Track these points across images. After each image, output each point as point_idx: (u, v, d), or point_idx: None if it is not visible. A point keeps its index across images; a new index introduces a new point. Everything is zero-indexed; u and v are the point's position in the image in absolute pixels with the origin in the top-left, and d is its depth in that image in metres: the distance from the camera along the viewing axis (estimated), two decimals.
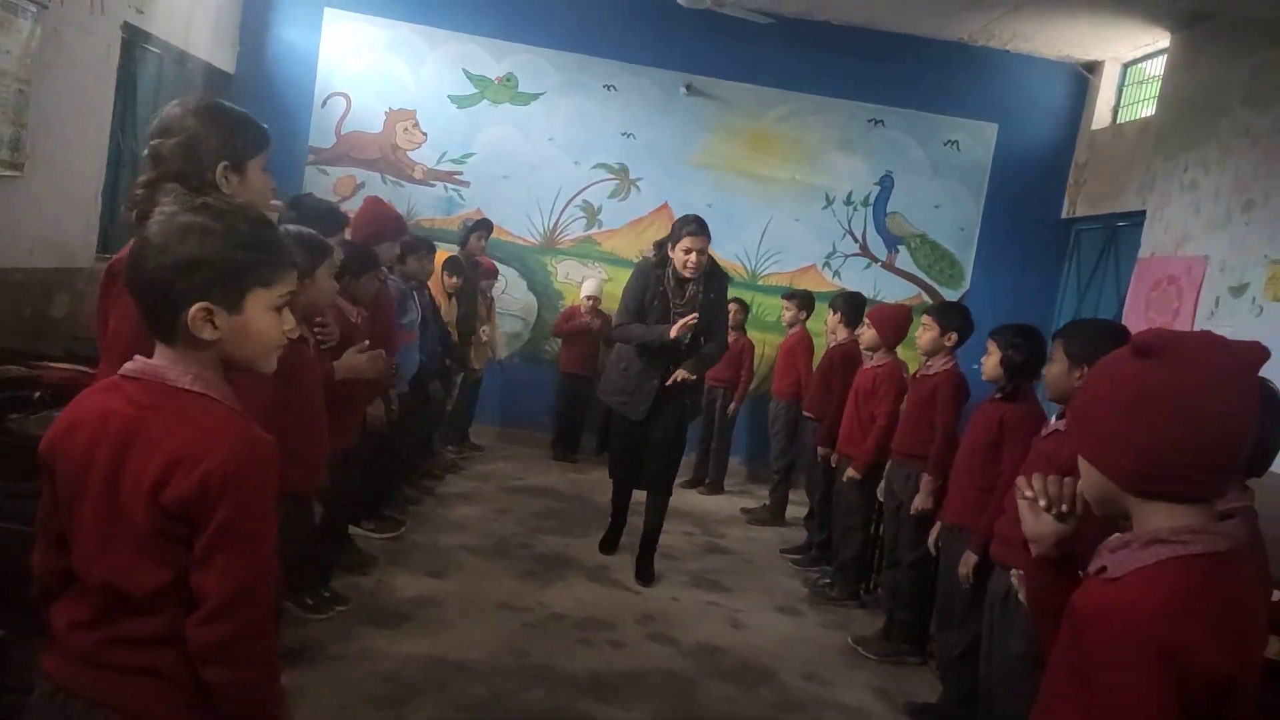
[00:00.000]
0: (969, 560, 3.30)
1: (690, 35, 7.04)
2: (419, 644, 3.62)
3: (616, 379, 4.74)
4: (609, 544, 5.14)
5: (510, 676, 3.49)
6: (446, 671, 3.43)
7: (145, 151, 2.06)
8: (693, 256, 4.48)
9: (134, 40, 5.56)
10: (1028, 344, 3.53)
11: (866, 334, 4.98)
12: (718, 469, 6.91)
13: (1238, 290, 5.31)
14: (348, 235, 3.92)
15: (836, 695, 3.83)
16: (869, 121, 7.30)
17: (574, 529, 5.44)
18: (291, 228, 2.81)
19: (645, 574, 4.81)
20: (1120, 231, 6.82)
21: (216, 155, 2.01)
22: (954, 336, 4.26)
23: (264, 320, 1.45)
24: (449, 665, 3.48)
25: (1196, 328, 5.61)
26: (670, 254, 4.56)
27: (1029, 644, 2.68)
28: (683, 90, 7.19)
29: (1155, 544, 1.27)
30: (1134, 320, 6.21)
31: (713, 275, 4.65)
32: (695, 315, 4.44)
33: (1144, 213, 6.34)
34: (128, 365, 1.43)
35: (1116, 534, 1.36)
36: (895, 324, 4.89)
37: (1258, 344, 1.29)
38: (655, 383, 4.60)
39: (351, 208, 7.03)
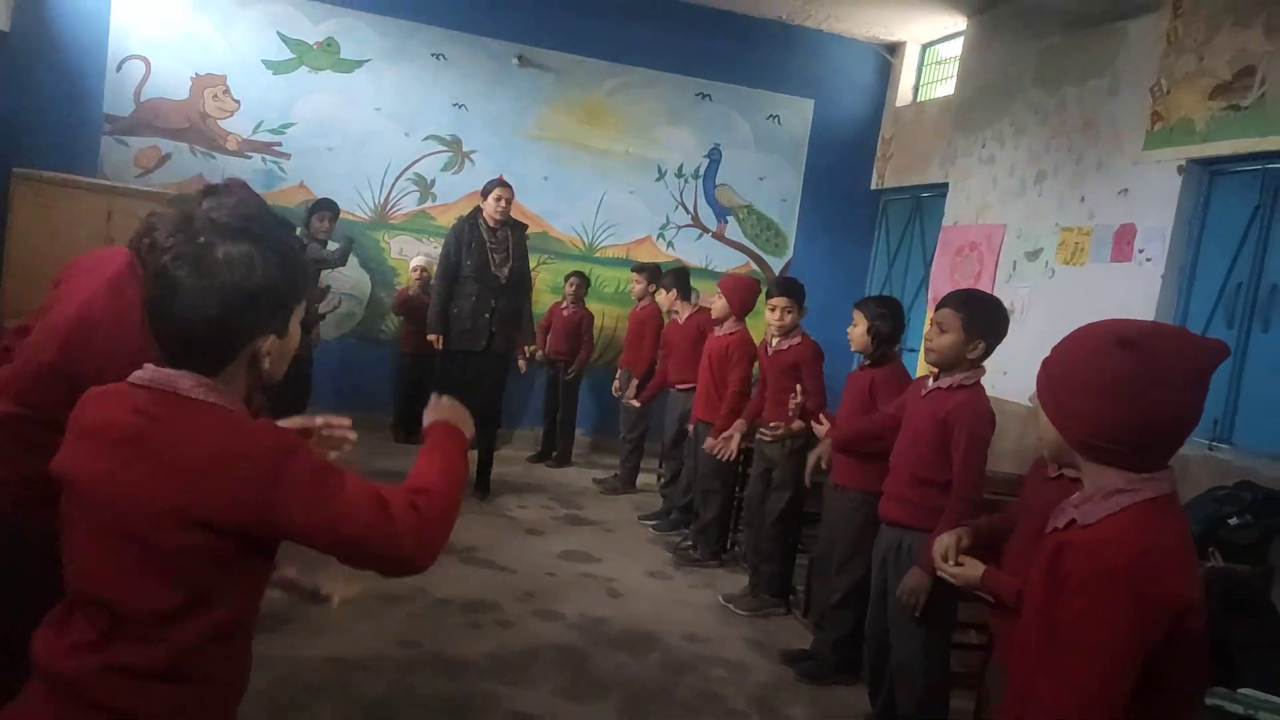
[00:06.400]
0: (855, 520, 3.57)
1: (521, 5, 6.95)
2: (307, 646, 3.47)
3: (454, 324, 5.55)
4: None
5: (409, 669, 3.44)
6: (343, 671, 3.33)
7: None
8: (502, 203, 5.51)
9: None
10: (892, 314, 3.82)
11: (717, 303, 5.18)
12: (565, 441, 6.97)
13: (1033, 255, 5.93)
14: None
15: (718, 652, 4.03)
16: (697, 95, 7.50)
17: None
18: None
19: (483, 489, 5.79)
20: (925, 202, 7.41)
21: None
22: (803, 309, 4.54)
23: (295, 333, 1.38)
24: (344, 664, 3.38)
25: (996, 290, 6.21)
26: (481, 205, 5.57)
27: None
28: (515, 61, 7.09)
29: (1116, 493, 1.45)
30: (939, 283, 6.78)
31: (516, 225, 5.72)
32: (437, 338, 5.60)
33: (946, 184, 6.91)
34: (137, 374, 1.32)
35: (1076, 493, 1.54)
36: (745, 294, 5.12)
37: (1220, 343, 1.47)
38: (486, 317, 5.54)
39: (160, 180, 6.54)
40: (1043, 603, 1.48)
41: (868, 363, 3.82)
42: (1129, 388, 1.42)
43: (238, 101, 6.74)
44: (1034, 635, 1.52)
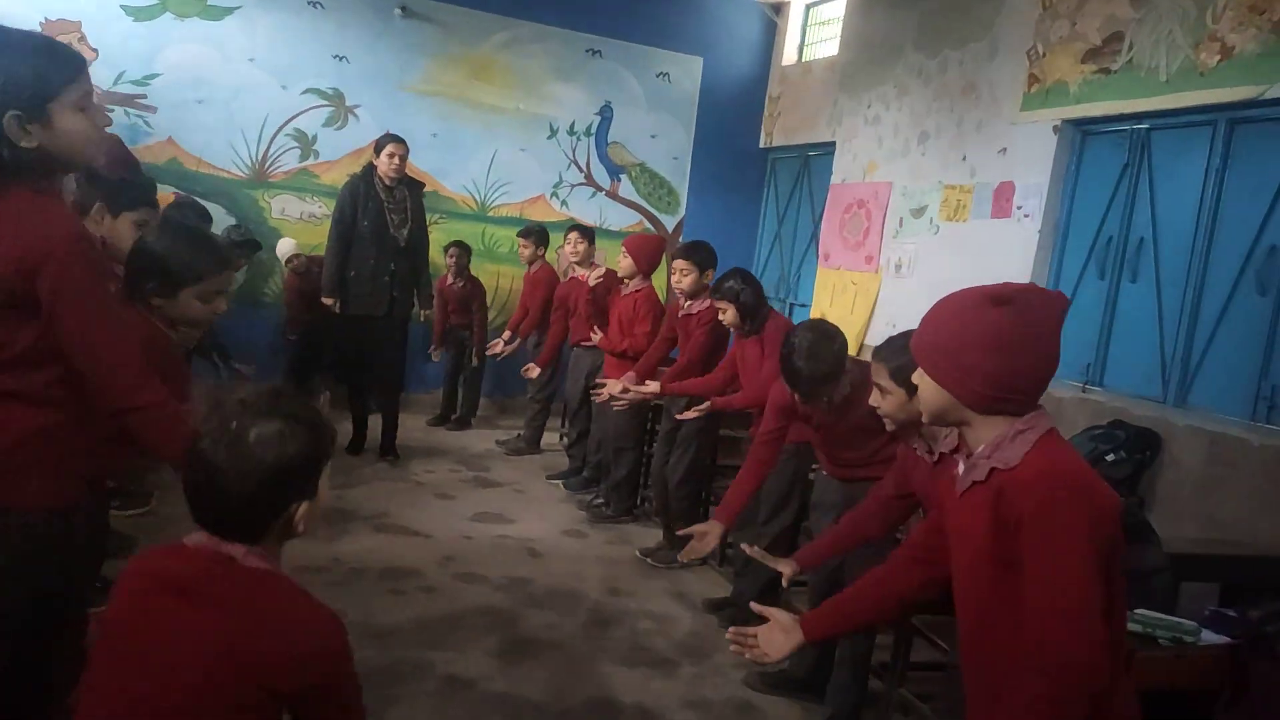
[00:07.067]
0: (786, 471, 3.68)
1: None
2: None
3: (353, 287, 5.37)
4: (355, 446, 5.74)
5: None
6: None
7: None
8: (396, 160, 5.32)
9: None
10: (748, 282, 3.96)
11: (624, 262, 5.19)
12: (468, 405, 6.87)
13: (918, 212, 6.18)
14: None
15: (642, 605, 4.10)
16: (587, 52, 7.41)
17: (339, 476, 5.19)
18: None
19: (390, 453, 5.72)
20: (812, 160, 7.58)
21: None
22: (711, 273, 4.59)
23: (324, 492, 1.45)
24: None
25: (884, 246, 6.46)
26: (375, 163, 5.37)
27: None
28: (397, 12, 6.81)
29: (1020, 434, 1.57)
30: (830, 239, 7.00)
31: (413, 183, 5.59)
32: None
33: (834, 144, 7.10)
34: (193, 537, 1.42)
35: (976, 451, 1.62)
36: (650, 252, 5.16)
37: (1061, 293, 1.64)
38: (386, 280, 5.38)
39: None
40: (991, 549, 1.57)
41: (750, 334, 3.95)
42: (1014, 339, 1.55)
43: (95, 50, 6.24)
44: (984, 583, 1.61)
